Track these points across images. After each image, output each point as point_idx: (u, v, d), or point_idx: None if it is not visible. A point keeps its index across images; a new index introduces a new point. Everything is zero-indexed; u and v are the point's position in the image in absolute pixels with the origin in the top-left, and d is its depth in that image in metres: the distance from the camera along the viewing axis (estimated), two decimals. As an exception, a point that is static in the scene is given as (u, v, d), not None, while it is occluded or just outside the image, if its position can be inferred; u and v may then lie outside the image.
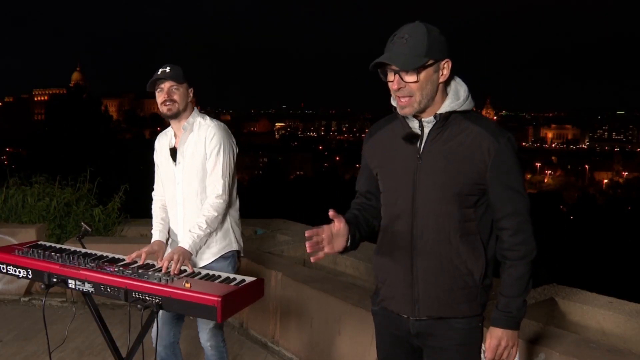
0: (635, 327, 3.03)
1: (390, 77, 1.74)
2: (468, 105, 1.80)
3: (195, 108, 2.75)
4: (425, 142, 1.80)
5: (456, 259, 1.80)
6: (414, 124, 1.81)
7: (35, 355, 3.90)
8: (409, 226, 1.83)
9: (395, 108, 1.83)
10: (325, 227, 1.71)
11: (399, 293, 1.89)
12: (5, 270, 2.52)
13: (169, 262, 2.39)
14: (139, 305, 2.18)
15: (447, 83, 1.79)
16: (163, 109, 2.64)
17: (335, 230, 1.73)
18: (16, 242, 3.63)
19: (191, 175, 2.66)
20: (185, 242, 2.53)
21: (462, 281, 1.82)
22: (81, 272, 2.32)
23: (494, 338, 1.83)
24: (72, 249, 2.66)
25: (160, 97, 2.64)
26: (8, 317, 4.64)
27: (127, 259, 2.49)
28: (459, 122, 1.78)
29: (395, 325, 1.95)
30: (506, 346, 1.83)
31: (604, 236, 31.45)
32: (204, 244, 2.65)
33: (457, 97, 1.79)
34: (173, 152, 2.72)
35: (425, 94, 1.73)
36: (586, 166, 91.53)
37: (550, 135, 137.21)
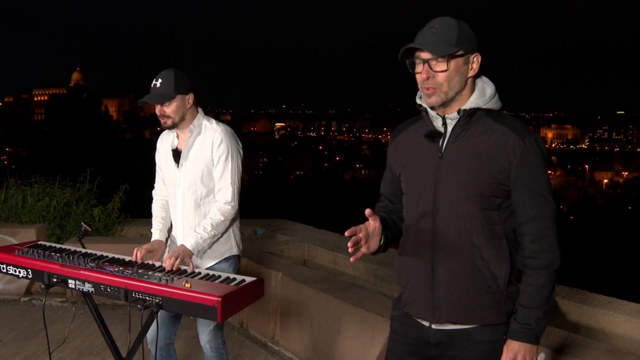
0: (635, 327, 3.03)
1: (419, 68, 1.70)
2: (494, 104, 1.75)
3: (201, 110, 2.72)
4: (448, 140, 1.74)
5: (479, 262, 1.72)
6: (438, 122, 1.76)
7: (35, 355, 3.90)
8: (431, 227, 1.76)
9: (420, 106, 1.79)
10: (362, 226, 1.65)
11: (420, 297, 1.81)
12: (5, 270, 2.52)
13: (169, 259, 2.41)
14: (139, 305, 2.19)
15: (474, 80, 1.75)
16: (160, 122, 2.65)
17: (371, 230, 1.67)
18: (16, 242, 3.63)
19: (194, 178, 2.65)
20: (188, 241, 2.53)
21: (485, 285, 1.73)
22: (81, 272, 2.32)
23: (510, 351, 1.72)
24: (72, 249, 2.66)
25: (156, 110, 2.63)
26: (8, 317, 4.63)
27: (132, 258, 2.50)
28: (484, 121, 1.72)
29: (413, 334, 1.86)
30: None
31: (604, 236, 31.44)
32: (207, 247, 2.64)
33: (483, 94, 1.74)
34: (175, 154, 2.71)
35: (452, 85, 1.69)
36: (586, 166, 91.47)
37: (550, 135, 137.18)
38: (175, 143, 2.72)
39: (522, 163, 1.68)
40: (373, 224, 1.67)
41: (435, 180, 1.75)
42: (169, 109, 2.58)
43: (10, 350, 3.98)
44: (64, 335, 3.08)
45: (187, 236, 2.65)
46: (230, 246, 2.76)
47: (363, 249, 1.65)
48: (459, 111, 1.73)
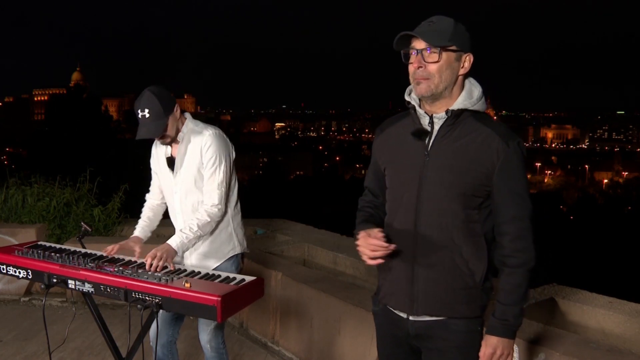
0: (635, 327, 3.03)
1: (412, 58, 1.76)
2: (480, 106, 1.80)
3: (188, 115, 2.72)
4: (435, 139, 1.79)
5: (458, 259, 1.79)
6: (425, 120, 1.81)
7: (35, 355, 3.90)
8: (412, 222, 1.82)
9: (409, 103, 1.83)
10: (374, 240, 1.75)
11: (399, 289, 1.87)
12: (5, 271, 2.52)
13: (153, 258, 2.40)
14: (138, 305, 2.19)
15: (464, 79, 1.80)
16: (159, 141, 2.68)
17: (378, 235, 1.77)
18: (16, 242, 3.63)
19: (189, 185, 2.66)
20: (173, 240, 2.53)
21: (462, 281, 1.80)
22: (81, 272, 2.32)
23: (489, 346, 1.80)
24: (72, 249, 2.66)
25: None
26: (8, 317, 4.63)
27: (104, 252, 2.49)
28: (470, 122, 1.77)
29: (395, 326, 1.93)
30: (501, 355, 1.80)
31: (604, 236, 31.45)
32: (192, 246, 2.64)
33: (470, 96, 1.79)
34: (170, 162, 2.72)
35: (443, 78, 1.74)
36: (586, 166, 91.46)
37: (550, 135, 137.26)
38: (169, 151, 2.73)
39: (505, 166, 1.74)
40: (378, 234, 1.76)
41: (420, 177, 1.80)
42: (165, 131, 2.59)
43: (10, 350, 3.98)
44: (64, 335, 3.09)
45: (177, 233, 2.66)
46: (232, 246, 2.78)
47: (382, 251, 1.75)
48: (447, 111, 1.77)
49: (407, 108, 1.86)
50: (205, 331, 2.77)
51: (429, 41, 1.71)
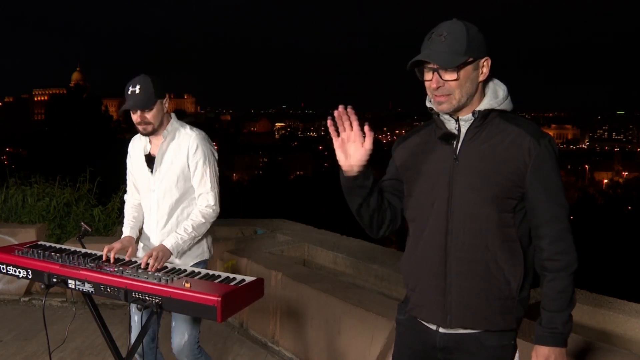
0: (635, 327, 3.03)
1: (428, 76, 1.69)
2: (507, 105, 1.74)
3: (173, 115, 2.69)
4: (463, 142, 1.73)
5: (493, 266, 1.70)
6: (451, 124, 1.74)
7: (35, 355, 3.90)
8: (444, 230, 1.73)
9: (431, 109, 1.77)
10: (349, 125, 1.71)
11: (430, 301, 1.77)
12: (5, 271, 2.52)
13: (148, 258, 2.40)
14: (138, 305, 2.19)
15: (485, 83, 1.74)
16: (139, 129, 2.60)
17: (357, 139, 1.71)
18: (16, 242, 3.63)
19: (169, 183, 2.63)
20: (168, 241, 2.53)
21: (498, 290, 1.71)
22: (81, 272, 2.32)
23: (541, 357, 1.69)
24: (72, 249, 2.66)
25: (133, 118, 2.57)
26: (8, 317, 4.64)
27: (104, 258, 2.47)
28: (498, 123, 1.72)
29: (419, 339, 1.84)
30: None
31: (604, 236, 31.44)
32: (187, 248, 2.63)
33: (495, 96, 1.73)
34: (148, 160, 2.68)
35: (464, 92, 1.68)
36: (586, 166, 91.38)
37: (550, 135, 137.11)
38: (148, 148, 2.69)
39: (538, 165, 1.67)
40: (366, 139, 1.69)
41: (449, 182, 1.73)
42: (150, 115, 2.55)
43: (10, 350, 3.98)
44: (64, 335, 3.08)
45: (159, 240, 2.63)
46: (202, 250, 2.75)
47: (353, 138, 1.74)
48: (473, 113, 1.71)
49: (429, 113, 1.79)
50: (178, 344, 2.66)
51: (445, 65, 1.64)
